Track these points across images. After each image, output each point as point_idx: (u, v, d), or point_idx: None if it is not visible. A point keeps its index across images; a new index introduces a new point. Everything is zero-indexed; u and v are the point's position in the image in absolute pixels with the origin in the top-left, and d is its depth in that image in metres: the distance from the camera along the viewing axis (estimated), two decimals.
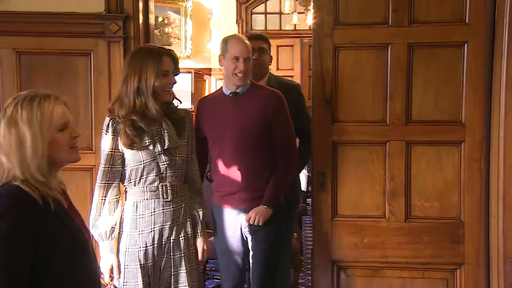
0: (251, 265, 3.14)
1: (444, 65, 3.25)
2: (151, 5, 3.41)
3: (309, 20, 8.43)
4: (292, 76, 9.33)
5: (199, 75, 9.25)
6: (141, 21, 3.26)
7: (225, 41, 3.15)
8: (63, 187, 1.95)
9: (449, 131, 3.29)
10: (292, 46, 9.59)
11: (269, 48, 3.63)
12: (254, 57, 3.36)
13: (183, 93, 9.17)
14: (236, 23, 9.37)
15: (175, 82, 2.69)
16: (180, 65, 8.50)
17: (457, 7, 3.20)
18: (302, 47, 9.37)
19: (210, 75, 9.45)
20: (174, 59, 2.66)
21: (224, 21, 9.38)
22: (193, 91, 8.83)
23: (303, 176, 6.96)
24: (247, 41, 3.10)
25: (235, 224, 3.09)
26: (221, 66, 3.15)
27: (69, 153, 1.84)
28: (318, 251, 3.37)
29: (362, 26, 3.28)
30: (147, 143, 2.53)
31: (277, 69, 9.56)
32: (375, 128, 3.30)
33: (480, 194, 3.28)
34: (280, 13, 9.46)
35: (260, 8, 9.53)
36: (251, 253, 3.10)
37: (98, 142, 3.13)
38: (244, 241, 3.10)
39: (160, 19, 8.32)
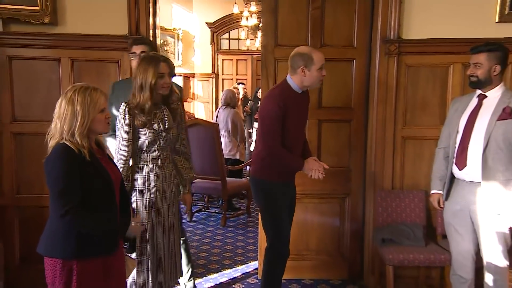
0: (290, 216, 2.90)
1: (342, 73, 3.36)
2: (158, 32, 3.42)
3: (257, 43, 8.74)
4: (246, 79, 9.69)
5: (186, 78, 9.36)
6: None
7: (308, 55, 2.65)
8: (101, 145, 2.04)
9: (344, 113, 3.40)
10: (246, 60, 9.93)
11: (152, 50, 2.86)
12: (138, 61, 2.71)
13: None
14: (210, 45, 9.60)
15: (171, 82, 2.52)
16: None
17: (349, 37, 3.32)
18: (253, 61, 9.73)
19: (193, 77, 9.69)
20: (170, 65, 2.50)
21: (202, 43, 9.59)
22: (182, 88, 9.23)
23: (252, 142, 7.08)
24: None
25: (288, 193, 2.86)
26: (303, 76, 2.66)
27: (104, 127, 1.92)
28: None
29: (292, 47, 3.11)
30: (154, 123, 2.45)
31: (237, 74, 9.95)
32: None
33: (361, 152, 3.42)
34: (239, 39, 9.70)
35: (226, 35, 9.79)
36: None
37: None
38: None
39: (161, 41, 8.51)
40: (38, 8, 3.08)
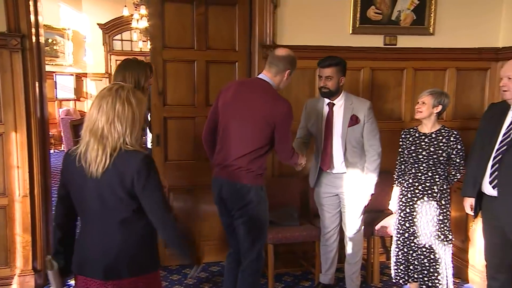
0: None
1: (225, 74, 3.40)
2: (41, 30, 3.14)
3: (149, 45, 8.54)
4: None
5: (78, 77, 8.91)
6: (34, 39, 3.01)
7: (295, 60, 2.47)
8: None
9: None
10: None
11: None
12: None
13: (67, 88, 8.80)
14: (102, 45, 9.09)
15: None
16: (65, 70, 8.17)
17: (231, 42, 3.39)
18: None
19: (86, 77, 9.12)
20: (151, 69, 2.55)
21: (94, 43, 9.06)
22: (75, 87, 8.66)
23: (149, 138, 6.93)
24: None
25: None
26: (285, 79, 2.45)
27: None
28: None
29: (179, 49, 3.32)
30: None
31: None
32: (188, 108, 3.38)
33: None
34: (131, 40, 9.32)
35: (118, 37, 9.36)
36: None
37: (6, 115, 2.93)
38: None
39: (50, 40, 7.86)
40: None
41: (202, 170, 3.30)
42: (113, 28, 9.20)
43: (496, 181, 2.38)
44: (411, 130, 2.85)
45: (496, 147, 2.39)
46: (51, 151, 6.96)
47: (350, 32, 3.44)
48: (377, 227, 3.25)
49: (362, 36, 3.46)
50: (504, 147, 2.35)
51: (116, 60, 9.53)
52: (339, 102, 2.85)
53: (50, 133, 5.09)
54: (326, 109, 2.89)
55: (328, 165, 2.87)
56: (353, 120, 2.80)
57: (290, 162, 2.56)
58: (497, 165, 2.37)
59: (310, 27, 3.38)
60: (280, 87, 2.49)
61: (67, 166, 1.63)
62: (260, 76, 2.47)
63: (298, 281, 3.40)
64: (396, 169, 2.92)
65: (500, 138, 2.39)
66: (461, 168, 2.73)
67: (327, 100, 2.88)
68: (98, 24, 8.97)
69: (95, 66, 9.18)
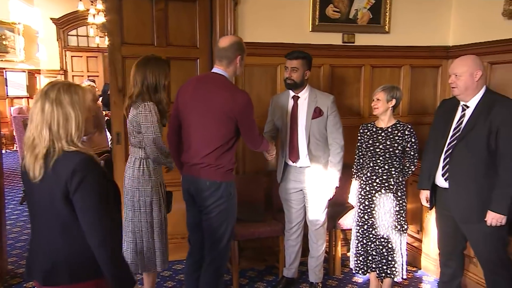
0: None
1: (187, 70, 3.35)
2: None
3: (107, 41, 8.29)
4: (97, 76, 9.13)
5: (31, 74, 8.55)
6: None
7: (242, 43, 2.41)
8: None
9: None
10: (97, 57, 9.40)
11: None
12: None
13: (19, 86, 8.40)
14: (57, 41, 8.72)
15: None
16: (16, 67, 7.85)
17: (192, 38, 3.38)
18: (104, 58, 9.17)
19: (39, 73, 8.74)
20: (169, 66, 2.56)
21: (47, 39, 8.67)
22: (27, 84, 8.33)
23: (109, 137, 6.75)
24: None
25: None
26: (238, 65, 2.39)
27: (91, 126, 1.63)
28: (118, 177, 3.20)
29: (139, 45, 3.27)
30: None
31: (88, 71, 9.32)
32: None
33: None
34: (87, 36, 9.05)
35: (74, 32, 9.06)
36: None
37: None
38: None
39: None
40: None
41: (164, 168, 3.27)
42: (67, 23, 8.86)
43: (447, 173, 2.50)
44: (369, 125, 2.95)
45: (448, 141, 2.52)
46: (3, 151, 6.62)
47: (310, 30, 3.51)
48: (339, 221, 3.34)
49: (321, 34, 3.53)
50: (454, 141, 2.48)
51: (72, 56, 9.21)
52: (304, 95, 2.91)
53: (1, 132, 4.82)
54: (291, 102, 2.93)
55: (295, 156, 2.92)
56: (317, 112, 2.87)
57: (260, 149, 2.57)
58: (448, 159, 2.50)
59: (271, 25, 3.41)
60: (237, 73, 2.47)
61: (22, 173, 1.61)
62: (214, 70, 2.42)
63: (262, 276, 3.44)
64: (355, 163, 3.01)
65: (451, 133, 2.52)
66: (415, 160, 2.85)
67: (292, 94, 2.92)
68: (51, 18, 8.60)
69: (49, 62, 8.81)
